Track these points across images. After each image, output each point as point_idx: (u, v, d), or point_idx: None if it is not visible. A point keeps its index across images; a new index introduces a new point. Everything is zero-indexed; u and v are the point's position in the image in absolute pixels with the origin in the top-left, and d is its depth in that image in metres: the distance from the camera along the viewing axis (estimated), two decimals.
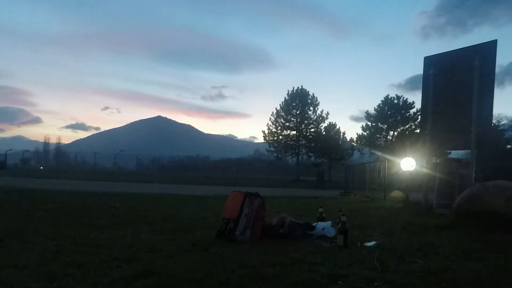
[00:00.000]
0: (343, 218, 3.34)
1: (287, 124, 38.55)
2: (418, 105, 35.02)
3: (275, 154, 39.50)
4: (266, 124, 43.63)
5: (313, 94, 38.84)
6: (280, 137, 38.71)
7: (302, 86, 38.66)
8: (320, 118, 38.62)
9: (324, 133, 38.25)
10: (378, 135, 38.28)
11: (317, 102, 38.67)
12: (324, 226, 3.93)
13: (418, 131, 29.76)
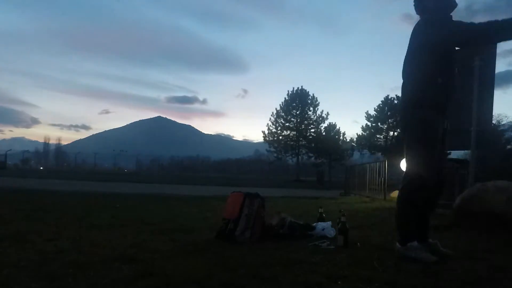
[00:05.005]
0: (343, 218, 3.34)
1: (287, 124, 38.63)
2: None
3: (275, 155, 39.55)
4: (266, 124, 43.65)
5: (313, 94, 38.96)
6: (280, 137, 38.78)
7: (302, 86, 38.80)
8: (320, 119, 38.71)
9: (324, 133, 38.31)
10: (378, 135, 38.35)
11: (317, 102, 38.76)
12: (324, 227, 3.93)
13: None
